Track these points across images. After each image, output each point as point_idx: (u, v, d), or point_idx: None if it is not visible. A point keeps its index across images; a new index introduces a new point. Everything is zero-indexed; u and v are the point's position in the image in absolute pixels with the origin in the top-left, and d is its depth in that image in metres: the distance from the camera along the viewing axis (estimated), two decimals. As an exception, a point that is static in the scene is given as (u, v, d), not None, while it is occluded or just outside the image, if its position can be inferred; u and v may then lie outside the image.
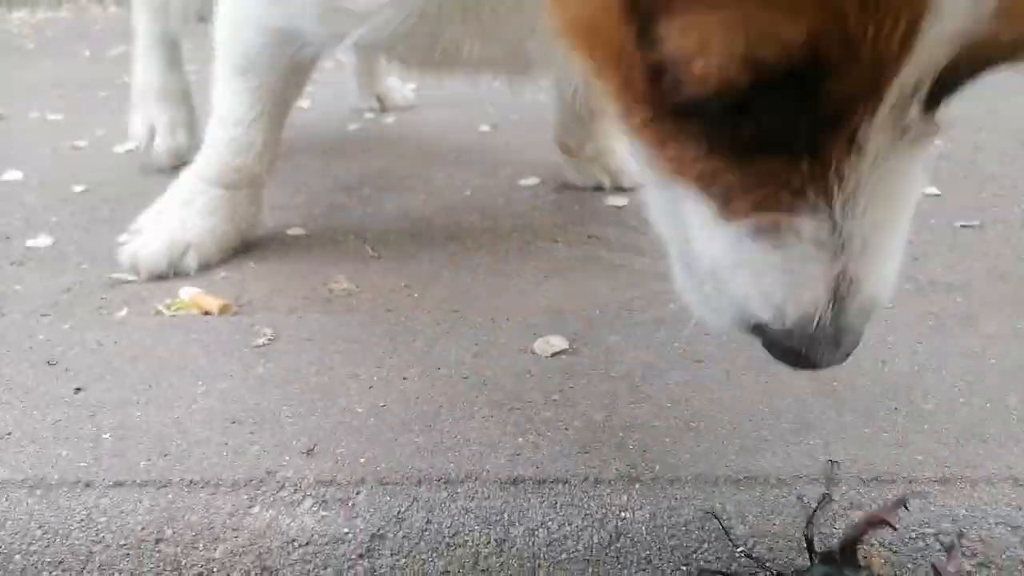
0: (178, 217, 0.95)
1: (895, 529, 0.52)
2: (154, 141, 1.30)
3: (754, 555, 0.53)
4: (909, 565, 0.53)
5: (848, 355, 0.46)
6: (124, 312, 0.82)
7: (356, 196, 1.17)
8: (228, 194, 0.96)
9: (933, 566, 0.52)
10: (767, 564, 0.53)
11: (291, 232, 1.05)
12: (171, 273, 0.91)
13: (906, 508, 0.52)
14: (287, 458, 0.58)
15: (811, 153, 0.40)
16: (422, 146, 1.42)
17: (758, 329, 0.46)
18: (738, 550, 0.53)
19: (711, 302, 0.48)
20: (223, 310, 0.80)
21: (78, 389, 0.66)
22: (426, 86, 1.87)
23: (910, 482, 0.55)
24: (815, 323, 0.44)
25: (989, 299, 0.82)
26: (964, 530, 0.53)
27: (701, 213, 0.45)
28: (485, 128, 1.51)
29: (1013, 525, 0.53)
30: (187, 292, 0.83)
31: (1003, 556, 0.53)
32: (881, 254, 0.43)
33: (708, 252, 0.46)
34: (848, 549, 0.51)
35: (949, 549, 0.52)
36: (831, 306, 0.44)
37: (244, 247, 0.98)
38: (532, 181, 1.21)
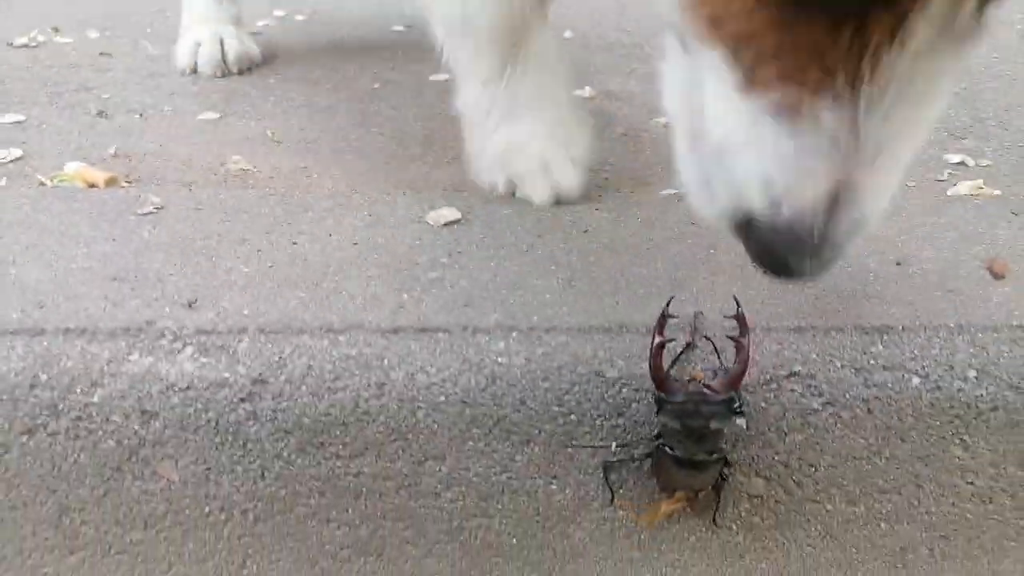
0: None
1: (671, 340, 0.56)
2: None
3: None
4: (762, 404, 0.58)
5: (825, 271, 0.44)
6: (3, 182, 0.78)
7: (260, 85, 1.14)
8: None
9: (733, 338, 0.55)
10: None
11: (185, 118, 1.02)
12: None
13: (669, 315, 0.56)
14: (167, 309, 0.58)
15: (855, 29, 0.38)
16: (333, 42, 1.38)
17: (747, 227, 0.44)
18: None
19: (710, 184, 0.45)
20: (109, 182, 0.78)
21: (-51, 250, 0.64)
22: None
23: (768, 330, 0.59)
24: (806, 226, 0.41)
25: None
26: (814, 371, 0.58)
27: (723, 82, 0.42)
28: (399, 28, 1.48)
29: (857, 367, 0.58)
30: (72, 166, 0.81)
31: (846, 395, 0.58)
32: (889, 168, 0.41)
33: (721, 126, 0.43)
34: (660, 379, 0.54)
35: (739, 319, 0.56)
36: (826, 212, 0.41)
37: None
38: (442, 77, 1.20)
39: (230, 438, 0.55)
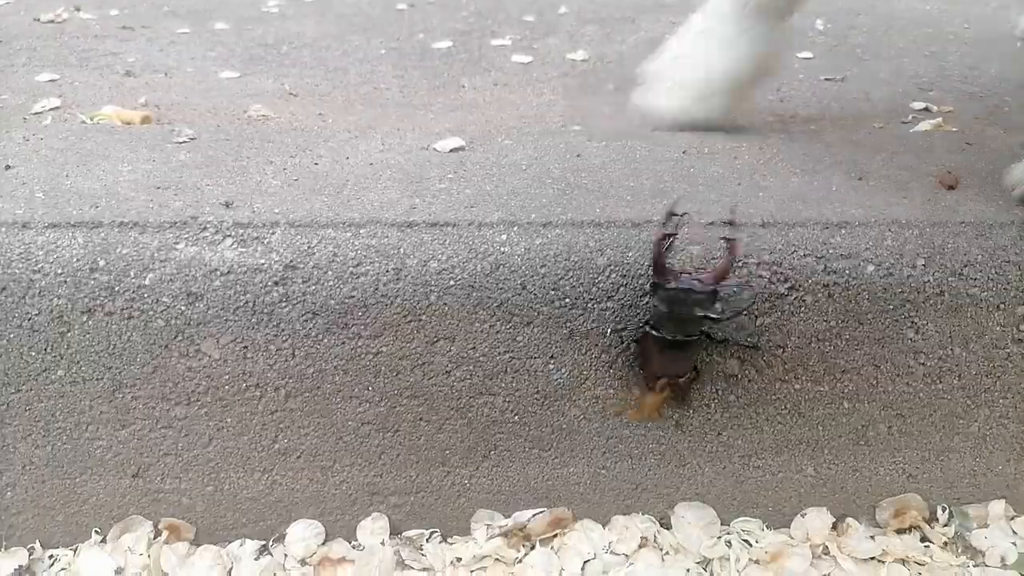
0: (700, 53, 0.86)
1: (675, 235, 0.63)
2: None
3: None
4: (734, 288, 0.65)
5: None
6: (48, 121, 0.86)
7: (274, 51, 1.22)
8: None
9: (723, 239, 0.63)
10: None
11: (207, 76, 1.09)
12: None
13: (675, 213, 0.63)
14: (207, 208, 0.65)
15: None
16: (340, 17, 1.46)
17: None
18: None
19: None
20: (144, 121, 0.86)
21: (8, 167, 0.71)
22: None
23: (740, 226, 0.66)
24: None
25: (836, 123, 0.95)
26: (780, 259, 0.65)
27: None
28: (402, 6, 1.56)
29: (818, 256, 0.65)
30: (109, 108, 0.88)
31: (809, 280, 0.65)
32: None
33: None
34: (660, 268, 0.61)
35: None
36: None
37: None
38: (446, 44, 1.28)
39: (265, 318, 0.63)
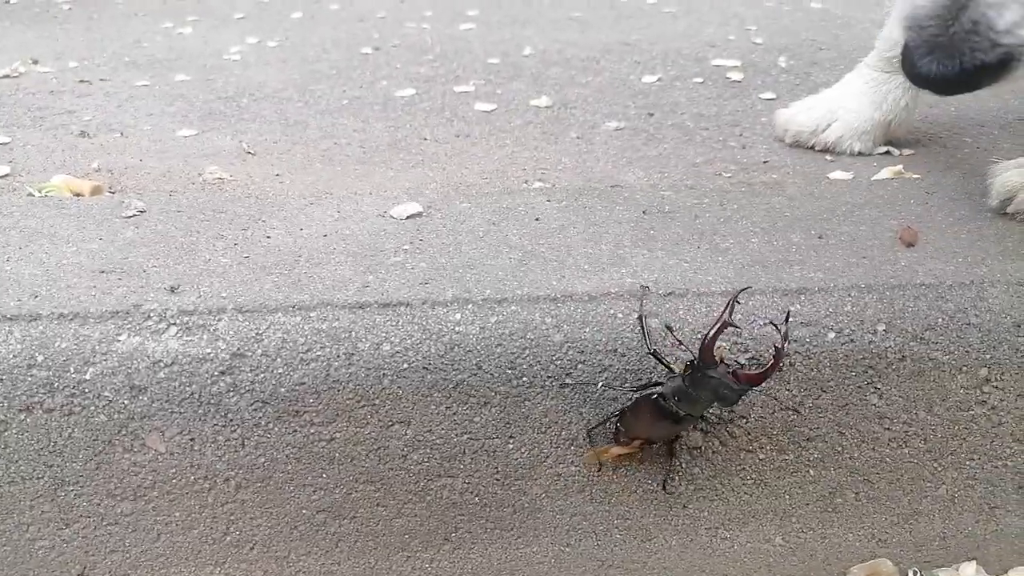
0: (837, 95, 1.01)
1: (737, 327, 0.62)
2: None
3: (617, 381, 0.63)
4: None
5: (971, 78, 0.51)
6: (-7, 195, 0.84)
7: (233, 104, 1.20)
8: (878, 78, 0.99)
9: (773, 346, 0.61)
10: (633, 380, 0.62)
11: (164, 135, 1.08)
12: (812, 142, 1.00)
13: (738, 302, 0.61)
14: (152, 295, 0.63)
15: None
16: (303, 63, 1.45)
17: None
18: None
19: None
20: (94, 191, 0.84)
21: (-53, 252, 0.69)
22: (309, 9, 1.89)
23: (699, 295, 0.65)
24: (931, 23, 0.49)
25: (797, 172, 0.94)
26: (740, 330, 0.64)
27: None
28: (367, 50, 1.55)
29: (777, 324, 0.64)
30: (58, 178, 0.86)
31: (769, 352, 0.64)
32: None
33: None
34: (707, 352, 0.59)
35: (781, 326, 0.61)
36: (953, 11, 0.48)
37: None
38: (408, 92, 1.27)
39: (212, 409, 0.61)
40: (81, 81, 1.32)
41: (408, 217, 0.78)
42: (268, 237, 0.73)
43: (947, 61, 0.53)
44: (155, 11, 1.88)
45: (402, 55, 1.50)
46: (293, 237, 0.73)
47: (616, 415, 0.64)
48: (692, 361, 0.61)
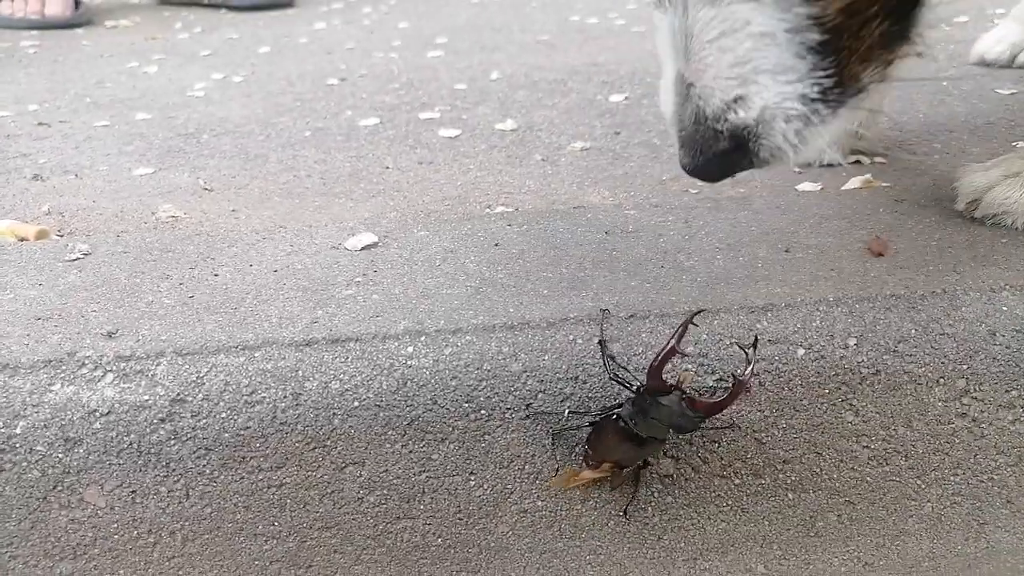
0: None
1: (684, 355, 0.59)
2: None
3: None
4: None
5: (709, 168, 0.50)
6: (-67, 243, 0.81)
7: (193, 140, 1.18)
8: None
9: (733, 375, 0.59)
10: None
11: (120, 174, 1.05)
12: None
13: (694, 324, 0.59)
14: (88, 341, 0.60)
15: None
16: (267, 97, 1.43)
17: None
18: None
19: None
20: (40, 235, 0.81)
21: None
22: (278, 43, 1.88)
23: (661, 316, 0.63)
24: (677, 121, 0.48)
25: (765, 185, 0.92)
26: (706, 350, 0.62)
27: None
28: (333, 81, 1.53)
29: (745, 344, 0.62)
30: (3, 223, 0.83)
31: (737, 371, 0.62)
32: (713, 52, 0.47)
33: None
34: (655, 379, 0.57)
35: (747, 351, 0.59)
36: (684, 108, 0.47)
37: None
38: (372, 121, 1.25)
39: (153, 459, 0.58)
40: (40, 124, 1.29)
41: (363, 248, 0.75)
42: (215, 275, 0.70)
43: (694, 155, 0.52)
44: (121, 52, 1.87)
45: (368, 85, 1.49)
46: (242, 274, 0.70)
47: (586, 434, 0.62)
48: (639, 387, 0.58)
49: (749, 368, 0.58)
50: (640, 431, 0.58)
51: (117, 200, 0.96)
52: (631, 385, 0.59)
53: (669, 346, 0.57)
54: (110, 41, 2.01)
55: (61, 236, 0.85)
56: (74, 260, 0.74)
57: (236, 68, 1.66)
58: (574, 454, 0.62)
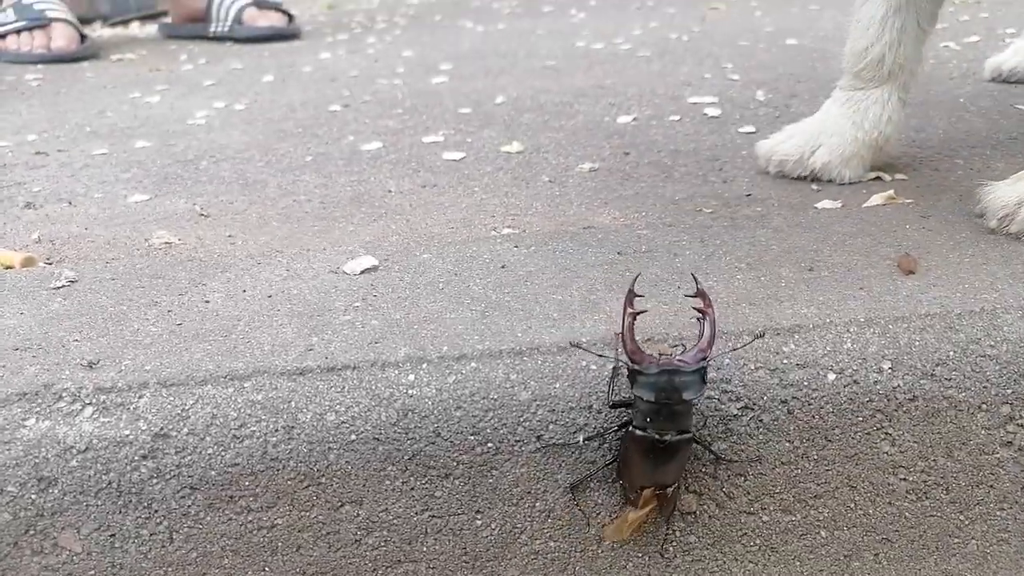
0: (817, 121, 0.97)
1: (643, 311, 0.56)
2: None
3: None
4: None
5: None
6: (-85, 272, 0.77)
7: (192, 167, 1.15)
8: (853, 96, 0.95)
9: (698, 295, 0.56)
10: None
11: (115, 201, 1.02)
12: (798, 171, 0.95)
13: (636, 294, 0.56)
14: (67, 372, 0.56)
15: None
16: (269, 123, 1.41)
17: None
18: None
19: None
20: (26, 263, 0.78)
21: None
22: (282, 72, 1.87)
23: (680, 339, 0.59)
24: None
25: (783, 203, 0.89)
26: (729, 376, 0.57)
27: None
28: (336, 107, 1.51)
29: (771, 368, 0.58)
30: (-12, 251, 0.80)
31: (764, 398, 0.57)
32: None
33: None
34: (635, 352, 0.54)
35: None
36: None
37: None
38: (375, 146, 1.22)
39: (133, 499, 0.53)
40: (37, 153, 1.27)
41: (362, 272, 0.71)
42: (206, 301, 0.66)
43: None
44: (124, 83, 1.86)
45: (371, 110, 1.46)
46: (234, 300, 0.67)
47: (611, 466, 0.57)
48: (630, 369, 0.54)
49: (710, 306, 0.55)
50: (660, 431, 0.53)
51: (110, 227, 0.93)
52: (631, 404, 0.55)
53: (626, 311, 0.54)
54: (114, 73, 2.00)
55: (49, 263, 0.81)
56: (59, 288, 0.70)
57: (239, 97, 1.65)
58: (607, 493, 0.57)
